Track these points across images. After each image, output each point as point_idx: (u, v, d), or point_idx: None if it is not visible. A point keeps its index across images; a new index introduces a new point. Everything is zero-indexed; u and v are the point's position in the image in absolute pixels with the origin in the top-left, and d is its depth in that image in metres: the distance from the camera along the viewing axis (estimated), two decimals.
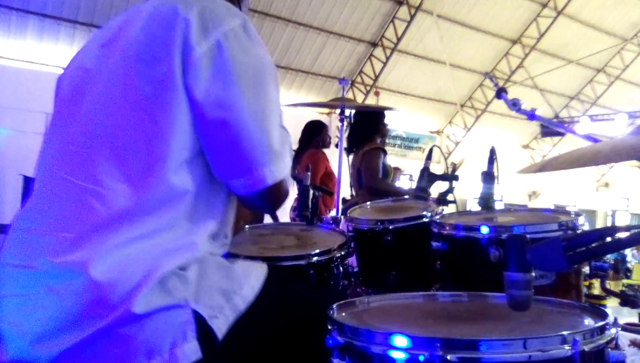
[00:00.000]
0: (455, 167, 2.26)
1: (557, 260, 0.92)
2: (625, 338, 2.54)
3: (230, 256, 1.27)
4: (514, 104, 1.89)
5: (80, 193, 1.03)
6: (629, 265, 12.05)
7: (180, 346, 0.98)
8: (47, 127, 1.18)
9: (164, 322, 0.98)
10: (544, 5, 13.82)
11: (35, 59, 9.45)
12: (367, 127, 3.72)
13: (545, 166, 1.41)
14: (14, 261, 1.03)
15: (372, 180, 3.54)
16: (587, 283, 1.70)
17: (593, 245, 0.94)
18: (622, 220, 19.01)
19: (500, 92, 1.94)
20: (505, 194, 14.02)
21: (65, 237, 1.00)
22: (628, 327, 2.87)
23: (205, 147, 1.08)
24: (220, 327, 1.03)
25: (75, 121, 1.10)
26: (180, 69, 1.03)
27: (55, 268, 0.97)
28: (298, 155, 4.41)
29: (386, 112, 3.88)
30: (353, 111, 3.61)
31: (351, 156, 3.78)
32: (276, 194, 1.14)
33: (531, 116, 1.90)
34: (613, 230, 0.96)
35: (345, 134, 3.59)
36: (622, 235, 0.96)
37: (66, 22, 9.38)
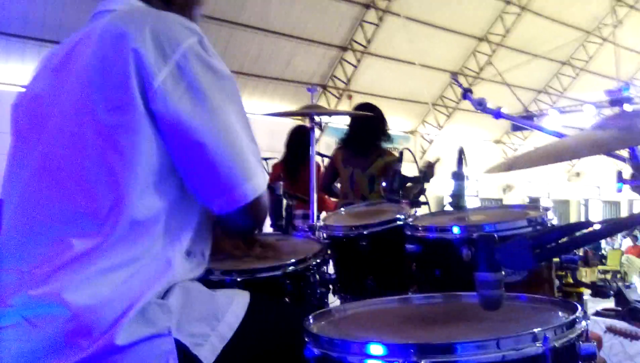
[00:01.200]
0: (431, 166, 2.28)
1: (525, 258, 0.93)
2: (602, 324, 2.58)
3: (206, 271, 1.26)
4: (480, 104, 1.92)
5: (50, 229, 1.01)
6: (603, 252, 12.27)
7: None
8: (8, 157, 1.15)
9: (146, 351, 0.97)
10: (508, 2, 14.07)
11: (2, 80, 9.27)
12: (374, 130, 3.65)
13: (512, 165, 1.43)
14: None
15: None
16: (562, 273, 1.73)
17: (560, 241, 0.95)
18: (595, 208, 19.39)
19: (466, 93, 1.97)
20: (480, 189, 14.16)
21: (39, 272, 0.98)
22: (604, 313, 2.91)
23: (180, 170, 1.06)
24: (207, 355, 1.03)
25: (37, 155, 1.07)
26: (140, 95, 1.01)
27: (32, 301, 0.96)
28: (295, 163, 4.06)
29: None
30: (325, 118, 3.57)
31: (336, 151, 3.77)
32: (257, 208, 1.13)
33: (497, 114, 1.93)
34: (578, 225, 0.99)
35: (324, 138, 3.54)
36: (586, 230, 0.98)
37: (33, 40, 9.23)
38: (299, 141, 4.12)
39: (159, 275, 1.03)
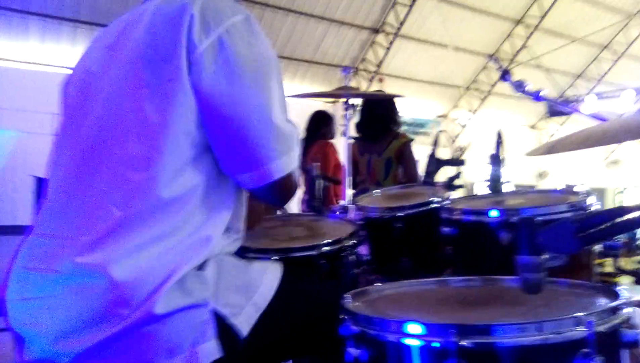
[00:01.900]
0: (462, 151, 2.25)
1: (568, 242, 0.92)
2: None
3: (242, 249, 1.28)
4: (519, 86, 1.88)
5: (95, 196, 1.04)
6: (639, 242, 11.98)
7: (200, 345, 0.99)
8: (57, 130, 1.18)
9: (184, 321, 0.99)
10: None
11: (38, 60, 9.49)
12: (385, 116, 3.73)
13: (553, 148, 1.41)
14: (34, 265, 1.04)
15: (416, 174, 3.61)
16: (599, 261, 1.69)
17: (604, 225, 0.94)
18: (633, 197, 18.88)
19: (505, 74, 1.93)
20: (514, 175, 13.93)
21: (85, 240, 1.01)
22: None
23: (211, 142, 1.09)
24: (243, 324, 1.05)
25: (86, 126, 1.11)
26: (186, 67, 1.04)
27: (77, 270, 0.99)
28: (306, 146, 4.37)
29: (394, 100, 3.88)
30: (359, 101, 3.63)
31: (353, 144, 3.81)
32: (285, 187, 1.15)
33: (536, 97, 1.90)
34: (624, 210, 0.96)
35: (352, 121, 3.61)
36: (633, 215, 0.96)
37: (68, 21, 9.40)
38: (313, 124, 4.51)
39: (198, 249, 1.05)
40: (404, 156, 3.66)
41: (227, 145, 1.08)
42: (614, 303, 0.93)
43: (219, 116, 1.06)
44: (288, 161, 1.12)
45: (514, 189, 1.86)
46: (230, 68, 1.05)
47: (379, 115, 3.72)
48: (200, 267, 1.06)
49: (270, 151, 1.09)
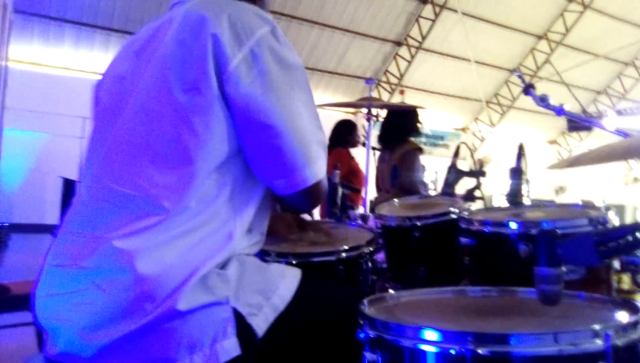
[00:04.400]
0: (481, 163, 2.25)
1: (589, 255, 0.92)
2: None
3: (262, 252, 1.30)
4: (542, 100, 1.88)
5: (124, 199, 1.07)
6: None
7: (221, 342, 1.01)
8: (89, 134, 1.22)
9: (205, 318, 1.01)
10: (571, 0, 13.61)
11: (72, 66, 9.71)
12: (403, 126, 3.76)
13: (576, 162, 1.41)
14: (61, 262, 1.07)
15: (411, 182, 3.59)
16: (616, 277, 1.68)
17: (624, 240, 0.93)
18: None
19: (529, 89, 1.93)
20: (532, 190, 13.81)
21: (111, 238, 1.04)
22: None
23: (246, 151, 1.12)
24: (260, 324, 1.07)
25: (116, 130, 1.14)
26: (216, 78, 1.07)
27: (103, 265, 1.02)
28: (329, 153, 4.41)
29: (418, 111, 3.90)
30: (382, 110, 3.67)
31: (377, 153, 3.83)
32: (316, 193, 1.17)
33: (559, 111, 1.89)
34: None
35: (374, 131, 3.64)
36: None
37: (101, 29, 9.62)
38: (336, 133, 4.55)
39: (220, 246, 1.08)
40: (405, 162, 3.64)
41: (260, 153, 1.12)
42: (634, 318, 0.92)
43: (254, 124, 1.09)
44: (319, 167, 1.15)
45: (532, 202, 1.85)
46: (264, 79, 1.08)
47: (398, 125, 3.75)
48: (223, 266, 1.08)
49: (302, 159, 1.11)
